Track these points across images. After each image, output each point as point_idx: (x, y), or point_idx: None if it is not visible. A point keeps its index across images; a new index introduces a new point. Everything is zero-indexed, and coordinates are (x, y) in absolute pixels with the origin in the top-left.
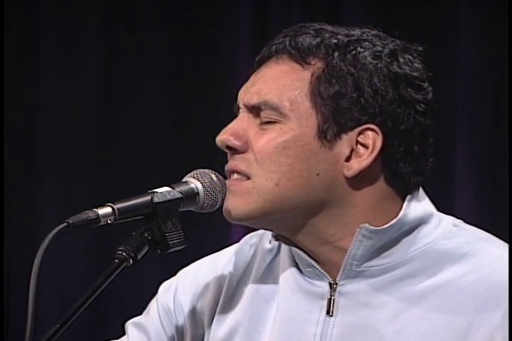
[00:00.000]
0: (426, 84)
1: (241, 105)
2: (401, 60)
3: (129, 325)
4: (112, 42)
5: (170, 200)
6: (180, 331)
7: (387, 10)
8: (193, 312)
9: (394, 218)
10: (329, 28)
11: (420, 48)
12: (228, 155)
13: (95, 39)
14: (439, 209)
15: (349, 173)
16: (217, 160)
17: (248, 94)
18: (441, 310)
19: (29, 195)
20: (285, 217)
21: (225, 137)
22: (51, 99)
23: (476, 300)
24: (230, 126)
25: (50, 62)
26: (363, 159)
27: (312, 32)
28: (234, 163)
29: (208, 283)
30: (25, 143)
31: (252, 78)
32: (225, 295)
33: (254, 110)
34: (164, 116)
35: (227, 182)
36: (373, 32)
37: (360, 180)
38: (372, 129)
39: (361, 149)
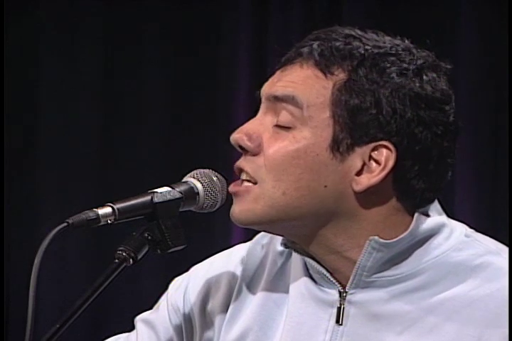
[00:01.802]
0: (447, 107)
1: (263, 97)
2: (425, 78)
3: (139, 321)
4: (112, 42)
5: (170, 200)
6: (189, 331)
7: (387, 10)
8: (203, 313)
9: (404, 230)
10: (359, 33)
11: (448, 66)
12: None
13: (95, 39)
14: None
15: (358, 188)
16: (217, 160)
17: (274, 86)
18: (451, 324)
19: (29, 194)
20: (292, 225)
21: (238, 136)
22: (51, 99)
23: (486, 315)
24: (246, 125)
25: (50, 63)
26: (374, 175)
27: (341, 39)
28: (243, 162)
29: (219, 284)
30: (25, 143)
31: (277, 74)
32: (236, 297)
33: (276, 103)
34: (164, 116)
35: (234, 185)
36: (403, 45)
37: (369, 195)
38: (386, 147)
39: (373, 165)
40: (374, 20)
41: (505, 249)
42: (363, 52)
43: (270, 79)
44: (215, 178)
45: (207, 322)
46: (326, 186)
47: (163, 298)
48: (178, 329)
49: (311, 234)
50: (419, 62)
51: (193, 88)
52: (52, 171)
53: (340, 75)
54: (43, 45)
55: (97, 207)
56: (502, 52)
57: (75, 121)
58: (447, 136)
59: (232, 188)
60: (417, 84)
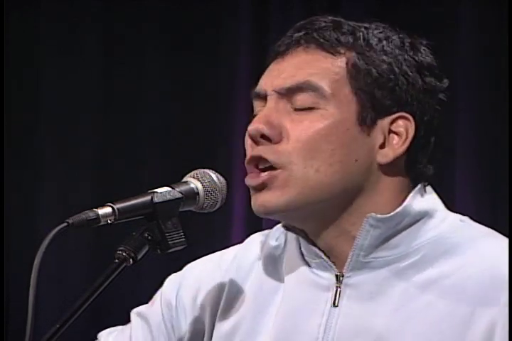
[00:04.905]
0: (441, 73)
1: (269, 92)
2: (421, 49)
3: (134, 314)
4: (112, 42)
5: (170, 200)
6: (179, 326)
7: (387, 10)
8: (194, 309)
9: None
10: (343, 20)
11: (425, 41)
12: (249, 147)
13: (95, 39)
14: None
15: (383, 160)
16: (217, 160)
17: (279, 79)
18: (445, 300)
19: (29, 195)
20: (318, 208)
21: (259, 126)
22: (51, 99)
23: (479, 289)
24: (261, 114)
25: (50, 63)
26: (398, 147)
27: (330, 23)
28: (262, 150)
29: (211, 281)
30: (26, 143)
31: (276, 66)
32: (229, 292)
33: (288, 94)
34: (164, 116)
35: (254, 177)
36: (383, 25)
37: (390, 167)
38: (404, 117)
39: (394, 137)
40: (373, 17)
41: (501, 235)
42: (359, 34)
43: (268, 73)
44: (215, 178)
45: (196, 317)
46: (356, 160)
47: (158, 293)
48: (169, 323)
49: (329, 217)
50: (407, 39)
51: (193, 88)
52: (52, 171)
53: (347, 53)
54: (43, 45)
55: (97, 207)
56: (502, 52)
57: (75, 121)
58: (445, 103)
59: (252, 180)
60: (419, 55)
